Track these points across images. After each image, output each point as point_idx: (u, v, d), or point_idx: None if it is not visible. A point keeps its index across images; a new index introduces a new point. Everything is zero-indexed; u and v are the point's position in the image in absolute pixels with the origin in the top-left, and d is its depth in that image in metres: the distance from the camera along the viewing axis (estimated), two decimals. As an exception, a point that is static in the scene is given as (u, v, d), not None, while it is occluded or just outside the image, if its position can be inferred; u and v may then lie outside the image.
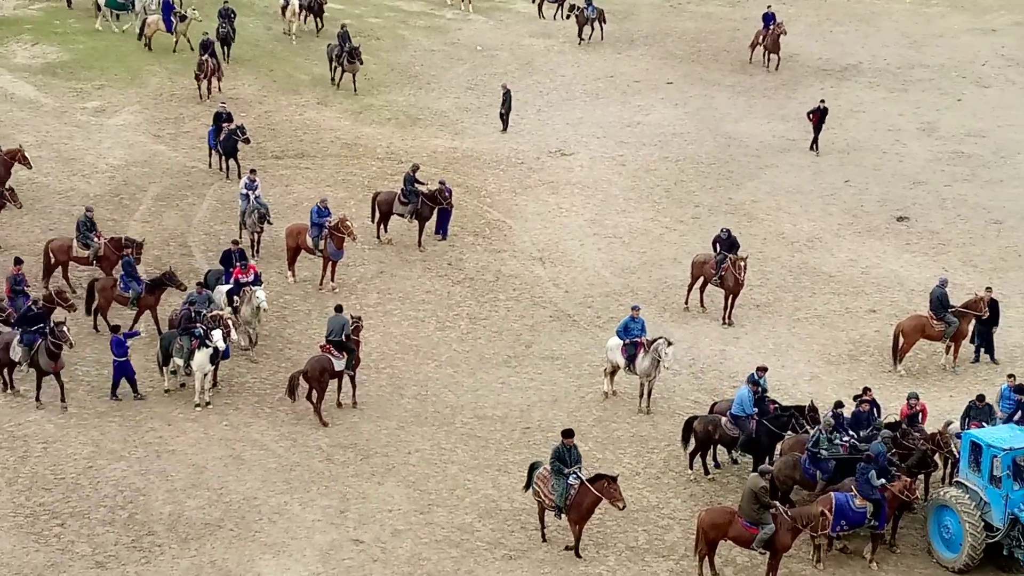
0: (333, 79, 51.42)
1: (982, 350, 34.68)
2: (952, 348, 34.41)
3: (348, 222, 37.19)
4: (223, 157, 43.41)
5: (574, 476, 25.99)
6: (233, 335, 31.83)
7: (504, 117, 48.94)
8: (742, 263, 35.94)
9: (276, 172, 44.10)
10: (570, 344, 35.44)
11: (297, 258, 37.63)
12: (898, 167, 47.22)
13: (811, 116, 47.76)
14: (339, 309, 32.19)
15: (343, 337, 31.20)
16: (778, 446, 29.00)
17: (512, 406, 32.31)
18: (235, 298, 33.63)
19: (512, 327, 36.25)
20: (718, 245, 36.76)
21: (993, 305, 34.24)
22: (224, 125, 43.01)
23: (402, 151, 46.55)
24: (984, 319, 34.22)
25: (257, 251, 38.15)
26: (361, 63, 50.67)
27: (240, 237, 38.17)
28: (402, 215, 39.77)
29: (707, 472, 29.58)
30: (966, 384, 33.61)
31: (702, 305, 37.27)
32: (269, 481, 28.79)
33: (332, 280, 37.43)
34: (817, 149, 47.69)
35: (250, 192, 38.55)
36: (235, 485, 28.55)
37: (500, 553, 26.66)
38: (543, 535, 26.69)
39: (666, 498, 28.70)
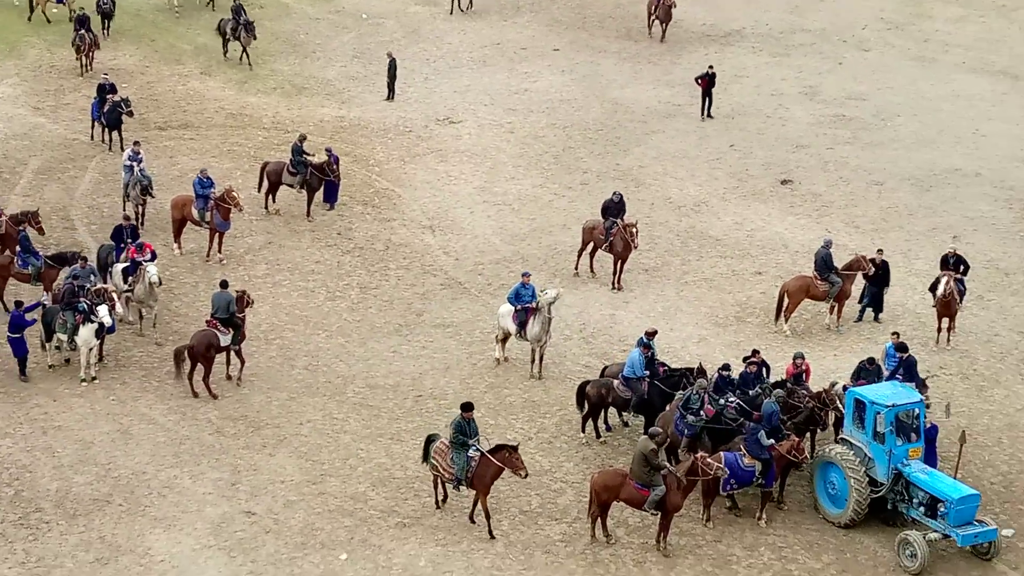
0: (225, 53, 50.65)
1: (868, 309, 35.17)
2: (836, 308, 35.00)
3: (234, 193, 36.80)
4: (106, 129, 42.68)
5: (474, 448, 25.97)
6: (119, 309, 31.39)
7: (391, 85, 48.70)
8: (634, 228, 36.17)
9: (160, 143, 43.48)
10: (461, 312, 35.48)
11: (183, 230, 37.16)
12: (781, 131, 47.85)
13: (699, 81, 48.11)
14: (224, 285, 31.83)
15: (228, 314, 30.90)
16: (668, 407, 29.33)
17: (404, 375, 32.28)
18: (130, 278, 33.07)
19: (403, 296, 36.19)
20: (607, 211, 36.95)
21: (884, 266, 34.71)
22: (108, 97, 42.27)
23: (288, 121, 46.14)
24: (875, 279, 34.70)
25: (142, 223, 37.56)
26: (255, 38, 49.98)
27: (125, 210, 37.58)
28: (291, 185, 39.45)
29: (599, 436, 29.83)
30: (849, 343, 34.25)
31: (592, 270, 37.51)
32: (158, 455, 28.48)
33: (219, 252, 37.03)
34: (706, 114, 47.98)
35: (134, 164, 37.95)
36: (123, 460, 28.20)
37: (394, 521, 26.68)
38: (437, 503, 26.71)
39: (558, 462, 28.89)
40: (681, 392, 28.90)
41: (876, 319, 34.94)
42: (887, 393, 27.02)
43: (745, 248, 39.56)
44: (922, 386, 29.22)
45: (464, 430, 26.08)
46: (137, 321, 33.10)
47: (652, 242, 39.03)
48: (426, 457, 26.72)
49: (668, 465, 25.98)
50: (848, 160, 45.58)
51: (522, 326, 32.13)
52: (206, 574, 24.86)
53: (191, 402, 30.27)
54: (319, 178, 39.32)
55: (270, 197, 39.67)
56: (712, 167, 44.96)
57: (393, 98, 48.57)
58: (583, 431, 29.75)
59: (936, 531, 25.89)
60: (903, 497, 26.71)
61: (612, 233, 36.45)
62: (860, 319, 35.06)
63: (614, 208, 36.88)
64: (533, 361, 32.38)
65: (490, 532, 26.04)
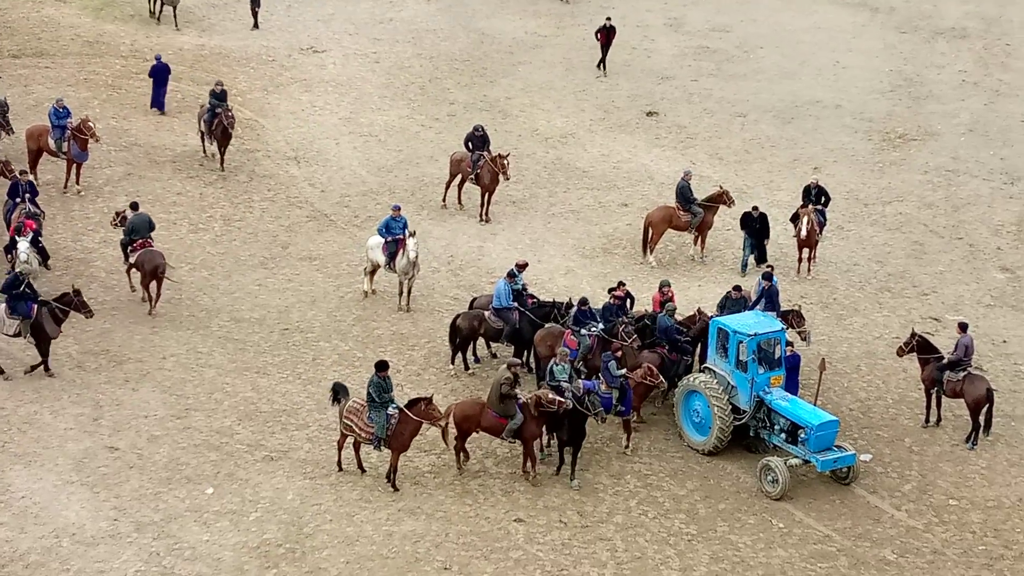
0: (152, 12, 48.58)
1: (751, 257, 34.52)
2: (699, 239, 35.35)
3: (91, 123, 35.87)
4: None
5: (392, 406, 25.64)
6: None
7: (255, 13, 47.81)
8: (505, 160, 36.06)
9: (14, 72, 42.21)
10: (328, 244, 35.16)
11: (39, 161, 36.15)
12: (647, 63, 48.05)
13: (599, 35, 46.87)
14: (135, 206, 31.89)
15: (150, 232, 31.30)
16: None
17: (270, 308, 31.94)
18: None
19: (268, 228, 35.72)
20: (471, 143, 36.79)
21: (763, 219, 34.19)
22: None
23: (147, 48, 45.04)
24: (755, 231, 34.22)
25: None
26: None
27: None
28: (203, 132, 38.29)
29: (467, 367, 29.87)
30: (713, 274, 34.70)
31: (459, 202, 37.39)
32: (17, 390, 27.84)
33: (78, 183, 36.13)
34: (605, 69, 46.84)
35: None
36: (-19, 397, 27.57)
37: (260, 455, 26.46)
38: (340, 465, 25.99)
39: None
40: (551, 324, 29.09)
41: (758, 264, 34.06)
42: (750, 322, 27.43)
43: (612, 180, 39.77)
44: (799, 317, 29.71)
45: (386, 388, 25.51)
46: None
47: (519, 174, 39.02)
48: (335, 399, 25.98)
49: (520, 393, 26.12)
50: (712, 92, 45.98)
51: (391, 258, 31.95)
52: (69, 510, 24.43)
53: (50, 337, 29.66)
54: (224, 128, 37.62)
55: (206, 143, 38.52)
56: (579, 99, 45.01)
57: (258, 26, 47.70)
58: (452, 363, 29.77)
59: (797, 457, 26.45)
60: (765, 424, 27.22)
61: (479, 165, 36.34)
62: (744, 270, 34.43)
63: (477, 140, 36.72)
64: (401, 294, 32.25)
65: (394, 485, 25.56)
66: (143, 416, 27.40)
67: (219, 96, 37.79)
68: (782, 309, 29.91)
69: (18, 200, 31.98)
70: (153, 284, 31.00)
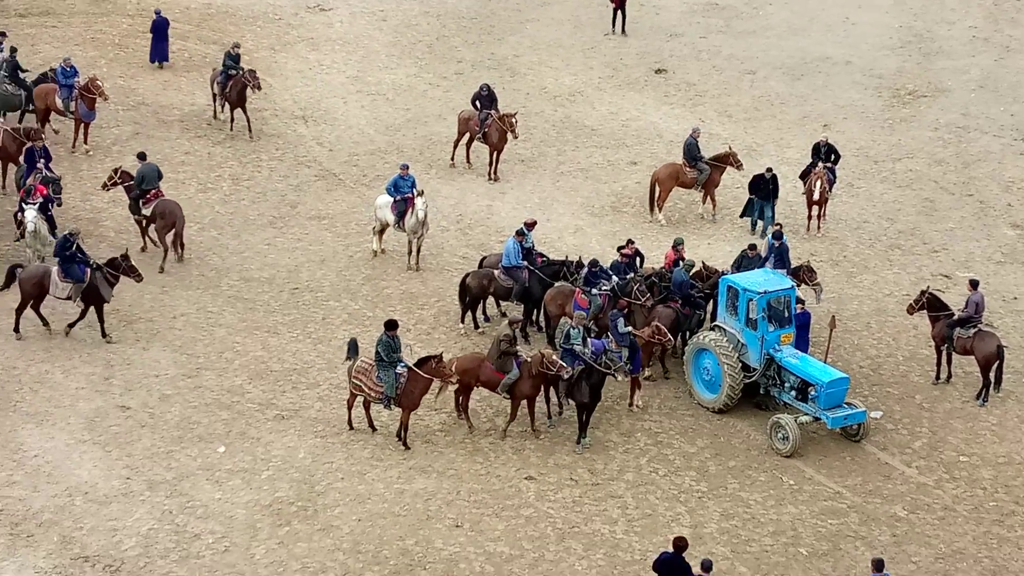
0: None
1: (759, 221, 34.20)
2: (707, 196, 35.21)
3: (99, 81, 35.79)
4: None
5: (402, 364, 25.53)
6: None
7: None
8: (513, 119, 35.91)
9: (21, 31, 42.04)
10: (336, 203, 35.11)
11: (48, 120, 36.07)
12: (655, 20, 47.80)
13: None
14: (143, 156, 32.07)
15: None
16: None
17: (279, 267, 31.94)
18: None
19: (276, 187, 35.68)
20: (478, 102, 36.65)
21: (774, 180, 33.87)
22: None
23: (153, 6, 44.72)
24: (764, 193, 33.84)
25: (4, 115, 36.37)
26: None
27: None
28: (220, 97, 37.84)
29: (477, 327, 29.88)
30: (723, 232, 34.63)
31: (468, 161, 37.30)
32: (28, 350, 27.90)
33: (85, 142, 36.08)
34: (621, 30, 46.06)
35: None
36: (-8, 356, 27.64)
37: (272, 413, 26.53)
38: (351, 423, 26.05)
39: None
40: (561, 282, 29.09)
41: (766, 229, 33.56)
42: (759, 280, 27.40)
43: (620, 138, 39.64)
44: (810, 271, 29.66)
45: (395, 347, 25.50)
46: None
47: (528, 132, 38.90)
48: (350, 355, 25.89)
49: (519, 351, 26.17)
50: (721, 49, 45.75)
51: (400, 217, 31.90)
52: (81, 468, 24.53)
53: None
54: (236, 92, 37.46)
55: (216, 104, 38.21)
56: (587, 56, 44.82)
57: (263, -16, 47.50)
58: (462, 322, 29.77)
59: (807, 414, 26.46)
60: (775, 382, 27.23)
61: (487, 124, 36.21)
62: (754, 229, 34.13)
63: (484, 99, 36.57)
64: (410, 252, 32.23)
65: (405, 444, 25.61)
66: (154, 375, 27.46)
67: (234, 59, 37.58)
68: (792, 266, 29.89)
69: (38, 165, 31.63)
70: (170, 235, 31.09)
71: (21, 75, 36.48)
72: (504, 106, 36.86)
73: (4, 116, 35.72)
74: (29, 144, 32.33)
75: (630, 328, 27.04)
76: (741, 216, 34.65)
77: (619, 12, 46.27)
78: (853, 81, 43.64)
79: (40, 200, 30.43)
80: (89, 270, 28.15)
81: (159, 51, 41.28)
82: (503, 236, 32.06)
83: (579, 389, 25.87)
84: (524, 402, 26.07)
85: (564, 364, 25.63)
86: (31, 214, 29.79)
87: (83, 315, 28.42)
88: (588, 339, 26.32)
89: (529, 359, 26.03)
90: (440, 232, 33.47)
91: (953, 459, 26.25)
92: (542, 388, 26.36)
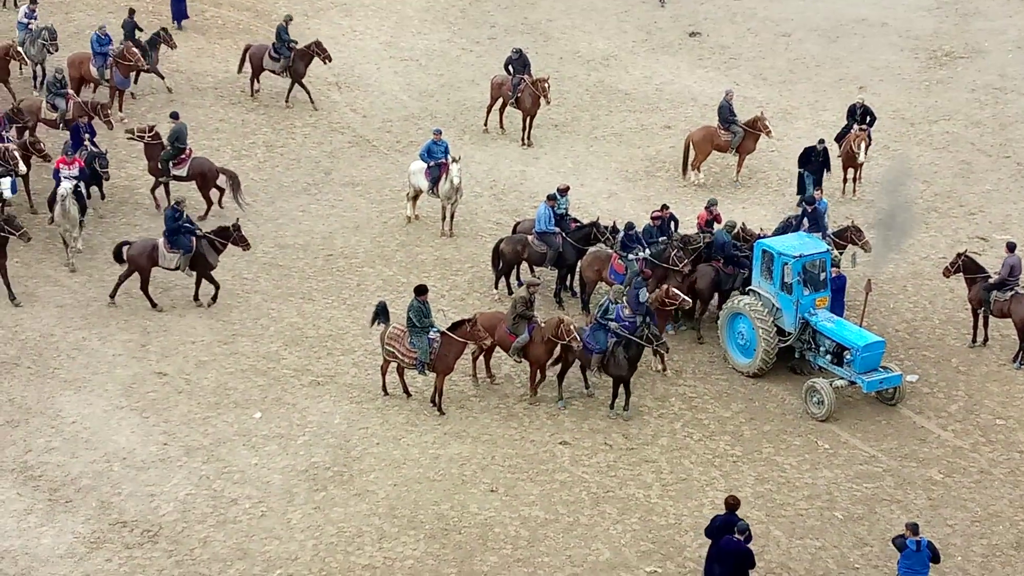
0: None
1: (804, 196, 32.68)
2: (739, 160, 35.02)
3: (134, 49, 35.86)
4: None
5: (434, 330, 25.56)
6: (21, 167, 30.42)
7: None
8: (545, 83, 35.80)
9: (54, -1, 42.23)
10: (370, 170, 35.14)
11: (82, 89, 36.20)
12: (690, -17, 47.46)
13: None
14: (175, 115, 32.66)
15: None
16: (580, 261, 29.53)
17: (314, 234, 32.01)
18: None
19: (310, 154, 35.73)
20: (511, 67, 36.54)
21: (825, 153, 33.27)
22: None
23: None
24: (819, 166, 33.18)
25: (41, 84, 36.52)
26: None
27: (21, 71, 36.58)
28: (273, 71, 37.81)
29: (511, 292, 29.87)
30: (758, 196, 34.48)
31: (501, 126, 37.23)
32: (65, 317, 28.12)
33: (120, 110, 36.17)
34: (664, 2, 45.55)
35: (30, 22, 36.80)
36: (30, 323, 27.82)
37: (307, 379, 26.65)
38: (385, 389, 26.11)
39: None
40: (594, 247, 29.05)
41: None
42: (794, 244, 27.28)
43: (654, 102, 39.47)
44: (857, 231, 29.44)
45: (426, 312, 25.56)
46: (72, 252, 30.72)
47: (561, 97, 38.78)
48: (375, 320, 26.06)
49: (534, 315, 26.17)
50: (756, 11, 45.42)
51: (434, 183, 31.89)
52: (119, 434, 24.74)
53: (96, 263, 29.85)
54: (304, 64, 37.57)
55: (255, 80, 38.02)
56: (620, 20, 44.59)
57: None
58: (496, 288, 29.79)
59: (842, 378, 26.39)
60: (810, 346, 27.15)
61: (520, 89, 36.11)
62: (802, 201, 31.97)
63: (517, 64, 36.44)
64: (444, 219, 32.23)
65: (440, 409, 25.69)
66: (190, 342, 27.62)
67: (282, 33, 37.44)
68: (838, 228, 29.65)
69: (84, 143, 31.60)
70: (214, 190, 31.74)
71: (137, 35, 37.08)
72: (537, 71, 36.74)
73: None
74: (75, 122, 32.36)
75: (647, 293, 26.89)
76: (798, 194, 33.50)
77: None
78: (889, 43, 43.26)
79: (76, 169, 30.44)
80: (195, 239, 28.41)
81: (179, 11, 41.50)
82: (536, 201, 32.02)
83: (616, 362, 25.71)
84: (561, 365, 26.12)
85: (576, 334, 25.53)
86: (67, 186, 29.59)
87: (198, 284, 28.75)
88: (612, 307, 26.00)
89: (543, 324, 26.00)
90: (473, 198, 33.46)
91: (989, 422, 26.13)
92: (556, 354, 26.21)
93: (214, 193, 32.09)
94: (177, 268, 28.59)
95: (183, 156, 31.78)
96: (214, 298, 28.84)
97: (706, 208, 30.00)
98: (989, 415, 26.34)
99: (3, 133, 31.43)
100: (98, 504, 23.04)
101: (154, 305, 28.51)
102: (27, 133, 32.24)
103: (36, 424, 24.93)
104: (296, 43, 37.45)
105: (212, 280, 28.82)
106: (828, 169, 33.54)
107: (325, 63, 37.77)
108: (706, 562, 20.72)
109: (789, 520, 23.29)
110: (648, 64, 41.74)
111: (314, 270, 30.50)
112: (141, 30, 37.40)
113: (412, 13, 44.19)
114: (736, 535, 20.15)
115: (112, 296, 28.57)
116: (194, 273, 28.70)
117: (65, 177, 30.12)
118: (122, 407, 25.53)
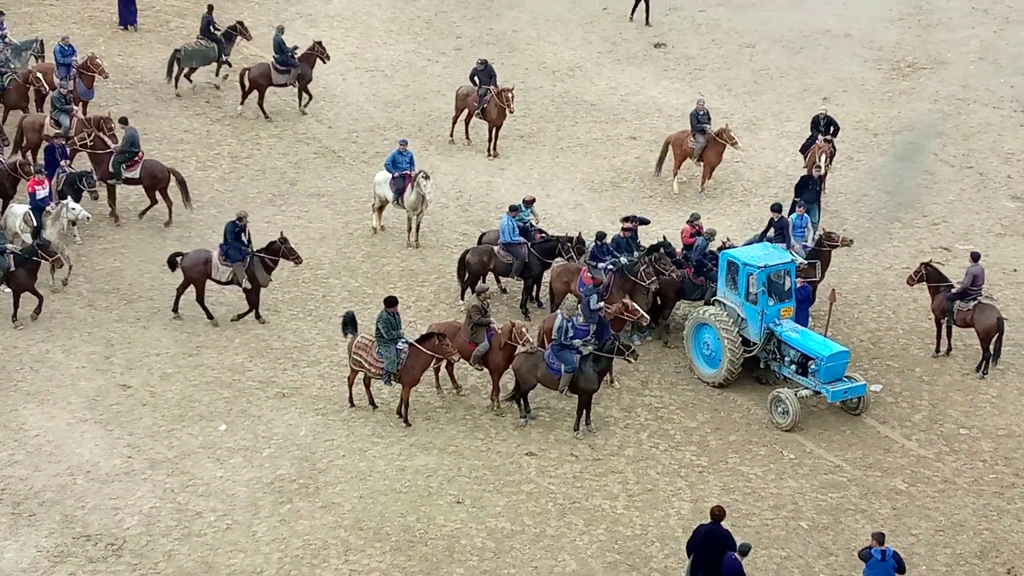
0: None
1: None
2: (705, 172, 35.13)
3: (98, 60, 35.76)
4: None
5: (402, 341, 25.54)
6: None
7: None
8: (509, 93, 35.85)
9: (18, 10, 41.95)
10: (336, 181, 35.09)
11: (46, 100, 35.97)
12: (655, -6, 47.58)
13: None
14: (125, 121, 32.66)
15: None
16: (546, 274, 29.53)
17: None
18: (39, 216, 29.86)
19: (276, 165, 35.65)
20: (476, 77, 36.58)
21: (819, 180, 32.68)
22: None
23: (151, -15, 44.75)
24: (812, 195, 32.06)
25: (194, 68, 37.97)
26: None
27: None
28: (283, 84, 37.76)
29: (476, 302, 29.87)
30: (723, 207, 34.60)
31: (467, 137, 37.25)
32: (28, 329, 27.94)
33: (84, 122, 35.97)
34: (647, 19, 45.03)
35: (5, 35, 36.59)
36: (-7, 336, 27.67)
37: (273, 391, 26.57)
38: (352, 401, 26.09)
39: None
40: (559, 260, 29.06)
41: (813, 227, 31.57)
42: (759, 255, 27.39)
43: (620, 113, 39.57)
44: (829, 236, 29.40)
45: (395, 324, 25.48)
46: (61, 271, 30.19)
47: (527, 108, 38.84)
48: (346, 329, 26.02)
49: (491, 321, 26.20)
50: (720, 22, 45.60)
51: (399, 194, 31.88)
52: (83, 447, 24.59)
53: (59, 275, 29.64)
54: (310, 68, 37.78)
55: (262, 104, 37.73)
56: (586, 31, 44.71)
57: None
58: (462, 299, 29.78)
59: (807, 388, 26.50)
60: (775, 356, 27.25)
61: (486, 99, 36.14)
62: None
63: (483, 75, 36.49)
64: (410, 229, 32.22)
65: (406, 420, 25.65)
66: (155, 354, 27.49)
67: (280, 47, 37.66)
68: (816, 234, 29.73)
69: (64, 167, 31.20)
70: (159, 193, 31.83)
71: (213, 31, 37.99)
72: (503, 81, 36.80)
73: (194, 68, 38.27)
74: (49, 143, 31.99)
75: (602, 304, 26.85)
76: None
77: (643, 1, 45.10)
78: (853, 54, 43.51)
79: (47, 191, 30.02)
80: (249, 255, 28.40)
81: (128, 14, 41.69)
82: (502, 212, 31.95)
83: (586, 378, 25.57)
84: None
85: (529, 338, 25.53)
86: (19, 210, 29.44)
87: (252, 301, 28.68)
88: (570, 326, 25.63)
89: (500, 330, 26.03)
90: (440, 209, 33.45)
91: (953, 432, 26.29)
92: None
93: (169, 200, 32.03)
94: (230, 282, 28.50)
95: (135, 159, 31.73)
96: (256, 315, 28.74)
97: (688, 223, 30.05)
98: (953, 425, 26.50)
99: None
100: (62, 518, 22.89)
101: (210, 317, 28.49)
102: (19, 154, 32.17)
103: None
104: (297, 48, 37.65)
105: (255, 299, 28.69)
106: (819, 198, 32.56)
107: (324, 62, 38.11)
108: (692, 571, 20.66)
109: (755, 530, 23.35)
110: (613, 75, 41.85)
111: (279, 281, 30.33)
112: (218, 29, 38.39)
113: (378, 24, 44.18)
114: (737, 555, 20.08)
115: (175, 310, 28.56)
116: (249, 286, 28.58)
117: (39, 199, 29.83)
118: (86, 420, 25.38)
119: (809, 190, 32.26)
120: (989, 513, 24.12)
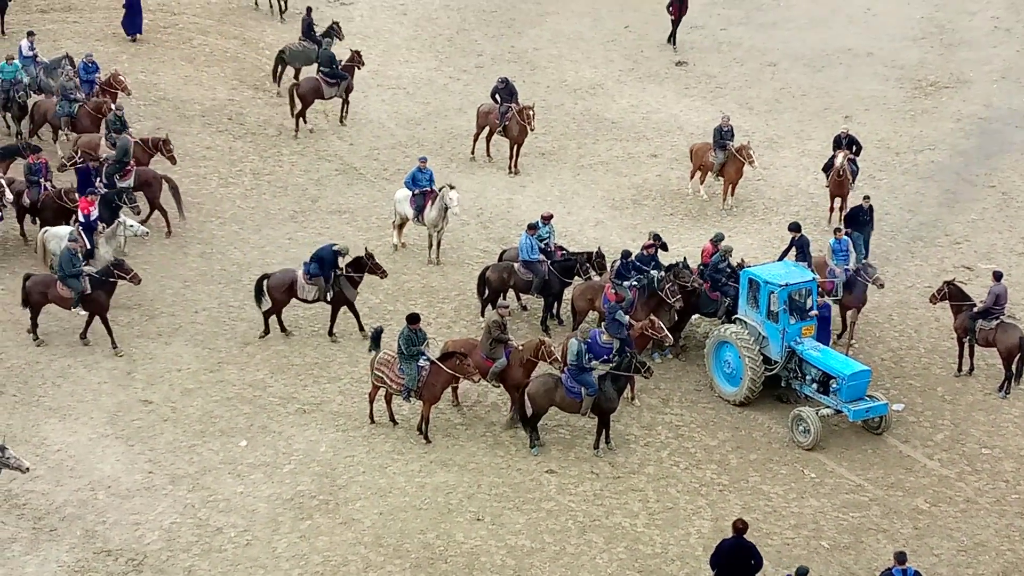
0: None
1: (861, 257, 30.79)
2: (727, 188, 35.12)
3: (121, 76, 35.98)
4: (-2, 13, 41.36)
5: (424, 358, 25.54)
6: (8, 196, 30.39)
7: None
8: (530, 111, 35.91)
9: (43, 27, 42.19)
10: (357, 197, 35.17)
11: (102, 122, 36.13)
12: (676, 12, 47.59)
13: (670, 9, 44.67)
14: (120, 131, 33.00)
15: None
16: (567, 292, 29.53)
17: (300, 262, 31.90)
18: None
19: (297, 182, 35.75)
20: (498, 95, 36.65)
21: (870, 211, 31.93)
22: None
23: (175, 3, 44.95)
24: (864, 224, 31.65)
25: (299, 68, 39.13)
26: None
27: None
28: (333, 96, 38.14)
29: (497, 319, 29.87)
30: (744, 224, 34.56)
31: (488, 155, 37.31)
32: (51, 345, 28.04)
33: (68, 138, 36.03)
34: (675, 44, 45.03)
35: (35, 54, 36.81)
36: (15, 350, 27.75)
37: (293, 407, 26.60)
38: (372, 417, 26.11)
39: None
40: (578, 279, 29.06)
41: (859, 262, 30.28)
42: (780, 273, 27.34)
43: (641, 131, 39.59)
44: (868, 269, 29.19)
45: (415, 341, 25.51)
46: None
47: (548, 126, 38.89)
48: (373, 346, 25.93)
49: (510, 338, 26.18)
50: (742, 41, 45.63)
51: (419, 211, 31.93)
52: (104, 463, 24.65)
53: (83, 292, 29.81)
54: (352, 78, 38.43)
55: (301, 118, 37.87)
56: (607, 49, 44.76)
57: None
58: (482, 315, 29.77)
59: (828, 407, 26.41)
60: (796, 374, 27.18)
61: (507, 117, 36.20)
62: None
63: (503, 92, 36.55)
64: (431, 246, 32.25)
65: (426, 437, 25.65)
66: (176, 370, 27.56)
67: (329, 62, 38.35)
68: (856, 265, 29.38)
69: (95, 184, 31.39)
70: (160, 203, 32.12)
71: (314, 32, 39.26)
72: (524, 99, 36.85)
73: (299, 69, 39.32)
74: (82, 162, 31.96)
75: (628, 318, 26.91)
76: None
77: (676, 25, 44.82)
78: (874, 72, 43.47)
79: (84, 218, 30.00)
80: (333, 274, 28.59)
81: (133, 24, 41.96)
82: (523, 230, 32.00)
83: (606, 397, 25.47)
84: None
85: (558, 356, 25.57)
86: (135, 223, 30.16)
87: (333, 318, 28.92)
88: (587, 348, 25.46)
89: (520, 347, 26.00)
90: (460, 226, 33.49)
91: (975, 451, 26.17)
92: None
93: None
94: (316, 300, 28.67)
95: (127, 169, 31.79)
96: (360, 327, 28.92)
97: (712, 242, 29.98)
98: (975, 444, 26.38)
99: (41, 180, 31.17)
100: (83, 533, 22.94)
101: (287, 334, 28.68)
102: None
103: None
104: (341, 61, 38.24)
105: (352, 313, 28.95)
106: (872, 229, 32.11)
107: (359, 68, 38.73)
108: None
109: (775, 550, 23.26)
110: (635, 93, 41.88)
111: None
112: (316, 26, 39.69)
113: (399, 41, 44.31)
114: None
115: (265, 333, 28.73)
116: (335, 304, 28.82)
117: (92, 220, 29.91)
118: (107, 435, 25.45)
119: (859, 220, 31.70)
120: (1012, 534, 23.99)
